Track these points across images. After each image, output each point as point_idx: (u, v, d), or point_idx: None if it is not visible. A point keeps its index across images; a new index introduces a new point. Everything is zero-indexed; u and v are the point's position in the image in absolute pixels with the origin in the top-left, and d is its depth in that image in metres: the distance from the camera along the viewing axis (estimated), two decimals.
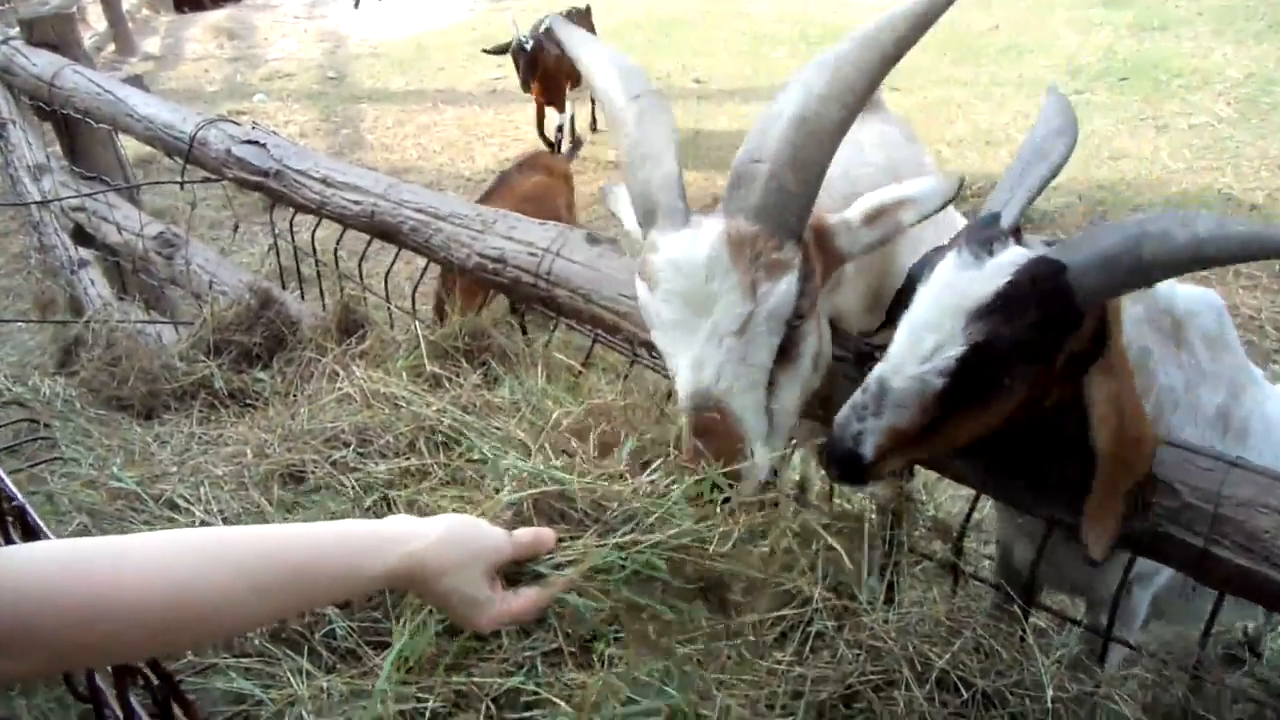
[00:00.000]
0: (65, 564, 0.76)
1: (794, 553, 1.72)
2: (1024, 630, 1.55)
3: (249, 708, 1.49)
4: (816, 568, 1.67)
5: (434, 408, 1.69)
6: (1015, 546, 1.86)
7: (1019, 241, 1.28)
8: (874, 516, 1.89)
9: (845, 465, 1.32)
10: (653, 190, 1.36)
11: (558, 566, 1.11)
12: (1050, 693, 1.41)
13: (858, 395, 1.31)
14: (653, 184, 1.36)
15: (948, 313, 1.24)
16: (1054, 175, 1.39)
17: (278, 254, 3.29)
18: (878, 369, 1.30)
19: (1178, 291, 1.51)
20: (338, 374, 1.96)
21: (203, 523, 1.71)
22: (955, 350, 1.23)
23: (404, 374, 1.90)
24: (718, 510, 1.22)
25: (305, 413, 1.87)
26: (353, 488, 1.65)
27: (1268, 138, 7.42)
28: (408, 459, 1.66)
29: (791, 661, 1.53)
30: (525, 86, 8.03)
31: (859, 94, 1.28)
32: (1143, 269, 1.19)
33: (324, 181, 2.61)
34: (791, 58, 11.23)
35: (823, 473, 2.61)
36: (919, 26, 1.27)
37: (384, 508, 1.58)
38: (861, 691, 1.49)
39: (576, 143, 7.66)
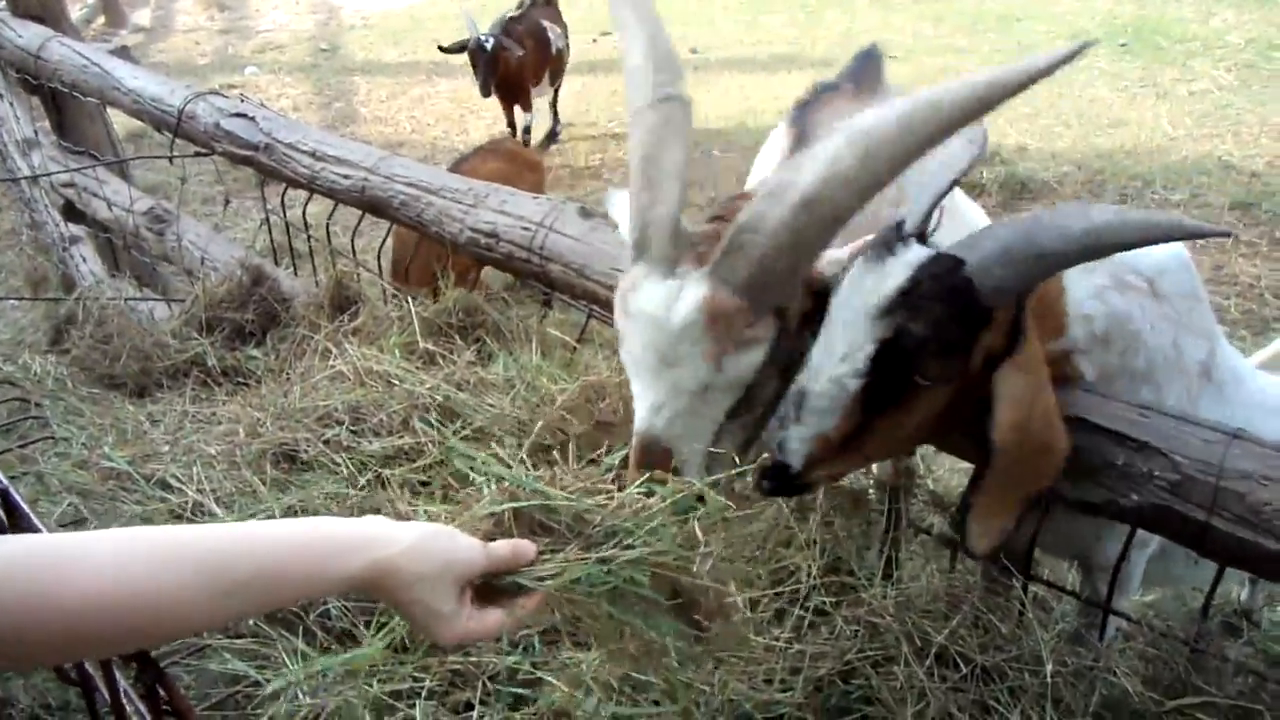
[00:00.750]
0: (16, 561, 0.74)
1: (791, 529, 1.72)
2: (1023, 604, 1.54)
3: (245, 688, 1.48)
4: (814, 544, 1.67)
5: (427, 385, 1.67)
6: None
7: (923, 244, 1.28)
8: (872, 492, 1.88)
9: (774, 476, 1.31)
10: (648, 224, 1.32)
11: (538, 580, 1.09)
12: (1049, 667, 1.40)
13: (781, 405, 1.31)
14: (649, 217, 1.32)
15: (855, 314, 1.24)
16: (957, 181, 1.37)
17: (269, 230, 3.25)
18: (799, 378, 1.31)
19: (1141, 255, 1.50)
20: (330, 351, 1.94)
21: (195, 504, 1.69)
22: (866, 350, 1.23)
23: (397, 351, 1.88)
24: (694, 523, 1.19)
25: (298, 391, 1.85)
26: (346, 466, 1.63)
27: (1268, 104, 7.35)
28: (401, 437, 1.64)
29: (790, 638, 1.53)
30: (485, 92, 7.06)
31: (881, 183, 1.20)
32: (1042, 259, 1.20)
33: (314, 155, 2.57)
34: (790, 27, 11.12)
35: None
36: (969, 114, 1.15)
37: (378, 486, 1.57)
38: (860, 668, 1.49)
39: (552, 134, 6.89)
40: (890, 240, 1.27)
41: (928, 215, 1.30)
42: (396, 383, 1.72)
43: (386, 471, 1.60)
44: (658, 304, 1.27)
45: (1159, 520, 1.29)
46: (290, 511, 1.56)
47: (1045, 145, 6.95)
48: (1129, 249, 1.22)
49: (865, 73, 1.84)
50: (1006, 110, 7.69)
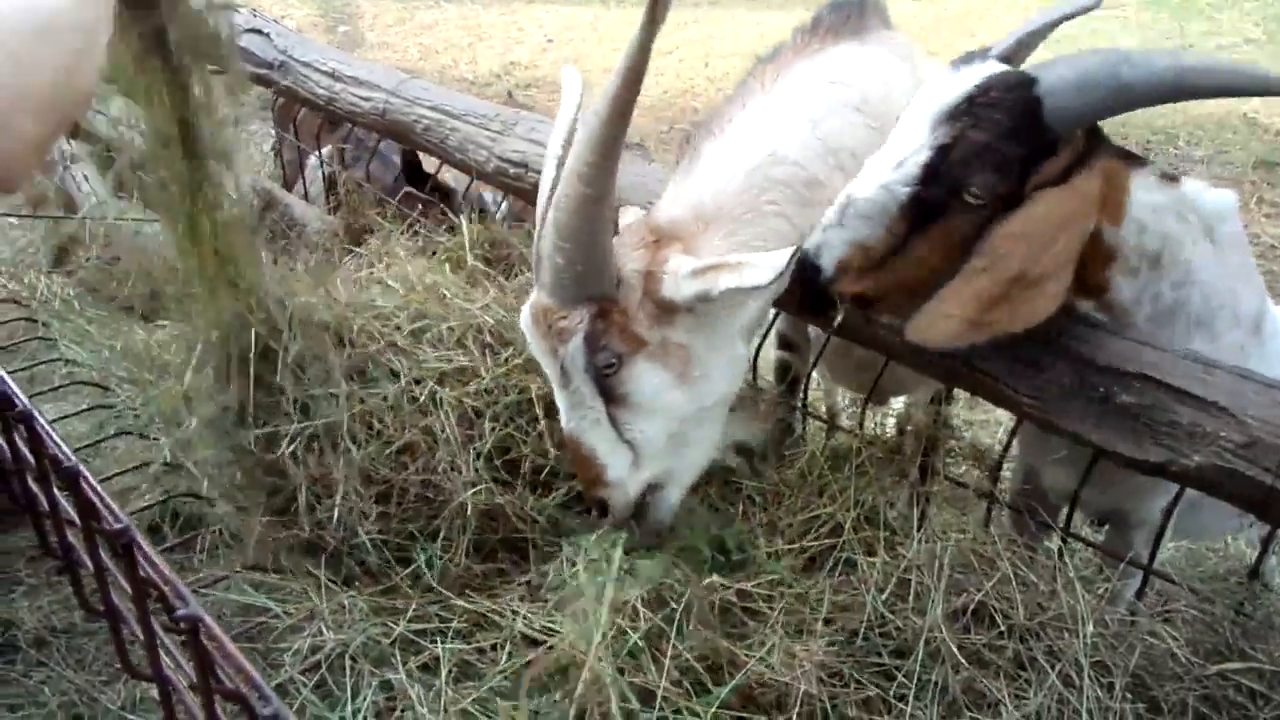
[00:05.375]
0: None
1: (825, 477, 1.67)
2: (1061, 562, 1.50)
3: (267, 619, 1.45)
4: (848, 493, 1.62)
5: (479, 304, 1.64)
6: (1045, 470, 1.80)
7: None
8: (906, 442, 1.83)
9: (802, 275, 1.31)
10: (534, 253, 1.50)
11: None
12: (1090, 628, 1.37)
13: (827, 213, 1.32)
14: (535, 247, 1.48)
15: (919, 120, 1.26)
16: (1056, 25, 1.41)
17: (280, 153, 3.16)
18: (848, 186, 1.31)
19: (1203, 192, 1.45)
20: (374, 264, 1.88)
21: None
22: (922, 156, 1.24)
23: (446, 268, 1.83)
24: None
25: (343, 291, 1.77)
26: (404, 375, 1.59)
27: None
28: (456, 352, 1.61)
29: (822, 589, 1.49)
30: None
31: (596, 165, 1.31)
32: (1121, 90, 1.20)
33: (332, 75, 2.47)
34: None
35: (847, 400, 2.57)
36: (627, 86, 1.29)
37: (431, 405, 1.55)
38: (893, 621, 1.45)
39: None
40: (971, 57, 1.29)
41: (1018, 43, 1.34)
42: (448, 295, 1.68)
43: (441, 391, 1.56)
44: (521, 315, 1.48)
45: (1221, 482, 1.25)
46: (351, 419, 1.54)
47: None
48: (1210, 96, 1.23)
49: (859, 12, 1.71)
50: (1029, 57, 7.53)
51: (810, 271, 1.30)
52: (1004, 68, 1.26)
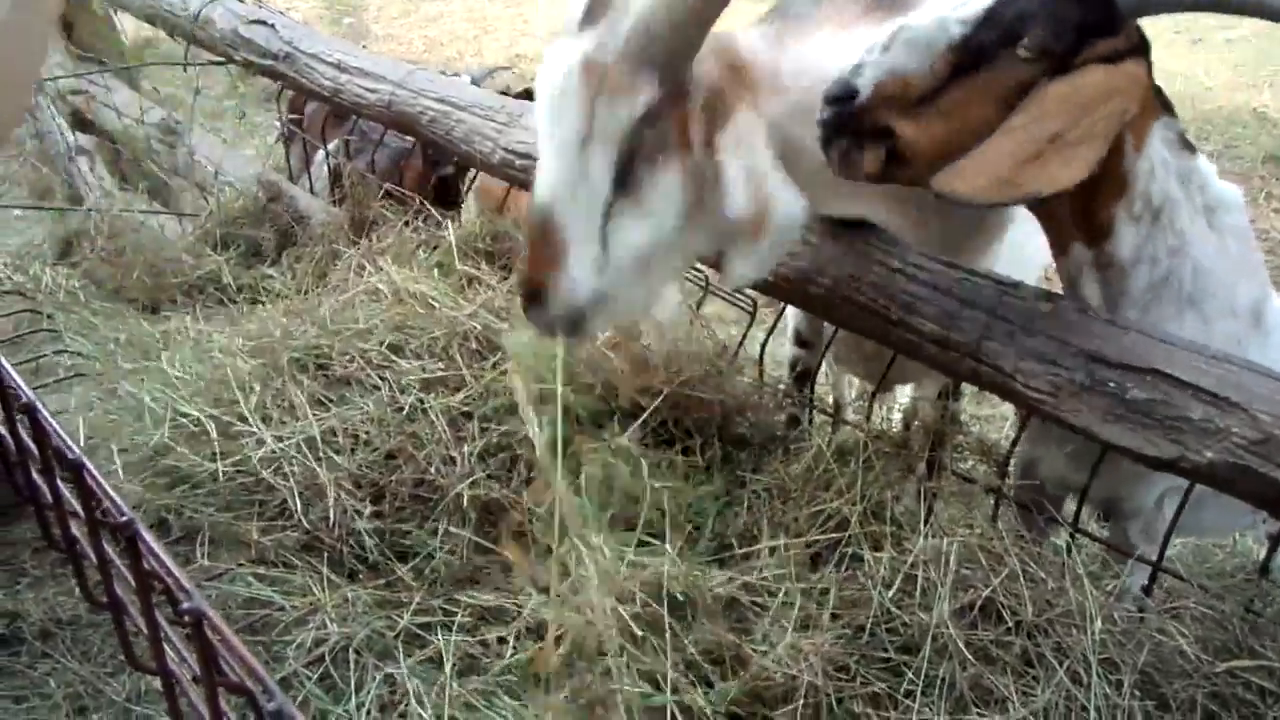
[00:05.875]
0: None
1: (831, 470, 1.67)
2: (1069, 558, 1.49)
3: (271, 612, 1.45)
4: (854, 488, 1.62)
5: (467, 311, 1.61)
6: (1043, 458, 1.79)
7: None
8: (914, 437, 1.83)
9: (836, 99, 1.26)
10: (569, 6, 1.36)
11: None
12: (1099, 624, 1.36)
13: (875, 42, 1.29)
14: None
15: None
16: None
17: (286, 145, 3.16)
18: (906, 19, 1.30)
19: (1213, 175, 1.47)
20: (364, 268, 1.87)
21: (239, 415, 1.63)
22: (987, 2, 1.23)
23: (436, 271, 1.81)
24: None
25: (327, 306, 1.78)
26: (391, 386, 1.58)
27: None
28: (439, 362, 1.59)
29: (827, 585, 1.48)
30: None
31: None
32: None
33: (338, 67, 2.46)
34: None
35: (854, 394, 2.56)
36: None
37: (419, 414, 1.52)
38: (899, 616, 1.45)
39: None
40: None
41: None
42: (436, 305, 1.65)
43: (429, 399, 1.55)
44: (550, 60, 1.32)
45: (1233, 479, 1.23)
46: (330, 433, 1.51)
47: None
48: (1269, 17, 1.21)
49: None
50: None
51: (844, 89, 1.26)
52: None
